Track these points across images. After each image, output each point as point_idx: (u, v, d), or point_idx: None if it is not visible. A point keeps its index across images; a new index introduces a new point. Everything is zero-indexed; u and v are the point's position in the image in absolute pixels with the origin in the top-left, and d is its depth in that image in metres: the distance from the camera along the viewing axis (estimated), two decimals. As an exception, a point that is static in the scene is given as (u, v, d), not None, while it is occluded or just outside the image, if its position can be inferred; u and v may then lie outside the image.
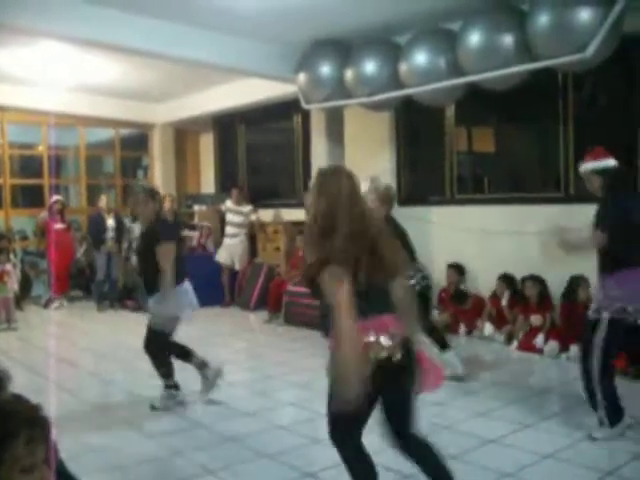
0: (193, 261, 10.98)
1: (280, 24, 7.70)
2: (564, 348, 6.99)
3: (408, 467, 4.08)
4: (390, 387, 3.03)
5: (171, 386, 5.61)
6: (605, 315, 4.51)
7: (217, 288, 10.82)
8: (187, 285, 5.66)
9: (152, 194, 5.72)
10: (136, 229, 10.53)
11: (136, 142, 14.07)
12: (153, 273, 5.40)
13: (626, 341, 4.74)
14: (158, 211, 5.81)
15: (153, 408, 5.48)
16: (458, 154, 9.25)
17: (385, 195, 6.13)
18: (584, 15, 5.95)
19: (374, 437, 3.64)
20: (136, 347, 7.96)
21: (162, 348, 5.63)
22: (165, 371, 5.63)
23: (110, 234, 11.00)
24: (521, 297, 7.69)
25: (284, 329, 9.09)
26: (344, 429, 3.13)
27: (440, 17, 7.26)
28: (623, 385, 4.80)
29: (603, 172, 4.61)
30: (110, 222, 11.03)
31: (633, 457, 4.23)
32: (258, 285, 10.62)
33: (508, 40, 6.56)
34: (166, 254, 5.35)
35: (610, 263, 4.53)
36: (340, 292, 2.82)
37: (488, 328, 7.94)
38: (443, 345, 6.18)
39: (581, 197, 7.46)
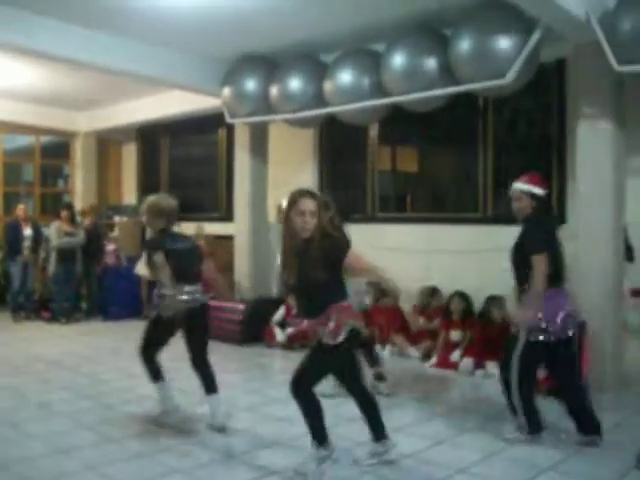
0: (111, 276, 10.86)
1: (207, 37, 7.71)
2: (480, 365, 7.11)
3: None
4: None
5: None
6: (523, 334, 4.74)
7: (137, 301, 10.61)
8: None
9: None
10: (53, 238, 10.31)
11: (57, 150, 13.77)
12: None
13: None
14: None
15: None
16: (381, 173, 9.37)
17: (153, 208, 5.28)
18: (503, 43, 6.18)
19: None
20: (52, 358, 7.83)
21: None
22: None
23: (27, 243, 10.75)
24: (445, 312, 7.79)
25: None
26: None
27: (366, 38, 7.39)
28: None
29: (532, 196, 4.88)
30: (27, 231, 10.77)
31: (540, 471, 4.34)
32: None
33: (431, 63, 6.74)
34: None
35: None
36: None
37: (406, 345, 8.00)
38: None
39: (497, 219, 7.71)
